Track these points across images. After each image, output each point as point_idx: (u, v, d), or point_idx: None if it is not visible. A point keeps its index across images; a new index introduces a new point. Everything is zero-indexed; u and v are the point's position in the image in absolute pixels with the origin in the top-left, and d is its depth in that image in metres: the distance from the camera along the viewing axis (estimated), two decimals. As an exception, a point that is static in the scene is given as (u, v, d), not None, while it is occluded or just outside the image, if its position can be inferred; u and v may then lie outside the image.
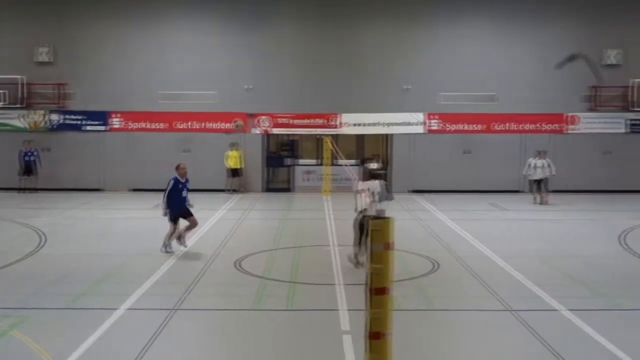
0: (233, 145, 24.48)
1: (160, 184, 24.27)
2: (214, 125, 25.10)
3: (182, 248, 13.50)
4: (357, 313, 8.05)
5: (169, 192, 13.49)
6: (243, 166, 24.61)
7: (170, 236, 13.55)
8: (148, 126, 25.11)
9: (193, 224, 13.76)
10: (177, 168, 14.00)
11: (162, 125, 25.07)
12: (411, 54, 24.98)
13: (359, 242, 12.00)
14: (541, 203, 21.46)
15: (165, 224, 13.66)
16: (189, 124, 25.06)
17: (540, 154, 22.02)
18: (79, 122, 25.15)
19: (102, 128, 25.14)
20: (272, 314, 9.43)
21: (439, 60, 24.92)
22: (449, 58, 24.88)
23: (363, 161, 26.16)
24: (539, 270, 11.98)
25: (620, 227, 16.69)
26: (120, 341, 8.18)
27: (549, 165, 21.71)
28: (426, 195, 23.81)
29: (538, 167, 21.66)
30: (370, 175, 12.73)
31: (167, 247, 13.48)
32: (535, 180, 21.72)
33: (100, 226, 17.33)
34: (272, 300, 10.07)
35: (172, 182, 13.67)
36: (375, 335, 4.38)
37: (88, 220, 18.36)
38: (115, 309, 9.36)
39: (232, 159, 24.32)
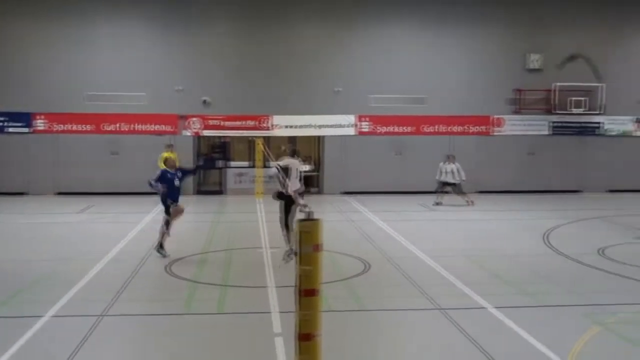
0: (169, 147, 24.09)
1: (88, 187, 24.09)
2: (144, 127, 24.67)
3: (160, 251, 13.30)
4: (289, 315, 8.05)
5: (158, 179, 13.42)
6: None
7: (163, 236, 13.34)
8: (74, 128, 24.46)
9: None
10: (165, 162, 14.49)
11: (89, 127, 24.47)
12: (342, 56, 25.19)
13: (285, 223, 12.55)
14: (437, 204, 21.50)
15: (93, 229, 13.34)
16: (117, 125, 24.54)
17: (449, 158, 21.91)
18: (0, 124, 24.29)
19: (26, 130, 24.35)
20: (203, 317, 9.34)
21: (370, 62, 25.20)
22: (380, 61, 25.20)
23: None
24: (467, 269, 12.27)
25: (544, 226, 17.26)
26: (45, 350, 7.94)
27: (457, 171, 21.52)
28: (358, 196, 24.03)
29: (447, 172, 21.56)
30: (292, 153, 13.16)
31: (160, 249, 13.23)
32: (446, 184, 21.69)
33: (24, 231, 16.77)
34: (203, 304, 9.98)
35: (159, 172, 13.79)
36: (305, 337, 4.40)
37: (11, 225, 17.75)
38: (41, 316, 9.08)
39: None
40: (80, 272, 11.75)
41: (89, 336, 8.33)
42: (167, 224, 13.45)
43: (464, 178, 21.59)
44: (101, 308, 9.51)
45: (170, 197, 13.55)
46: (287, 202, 12.57)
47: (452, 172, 21.54)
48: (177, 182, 13.71)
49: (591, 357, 7.70)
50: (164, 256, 13.12)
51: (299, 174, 12.85)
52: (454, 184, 21.60)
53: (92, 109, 24.34)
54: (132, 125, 24.58)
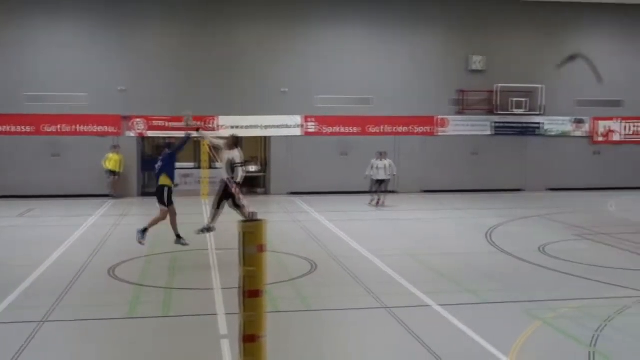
0: (114, 148, 23.75)
1: (28, 190, 23.46)
2: (86, 128, 24.17)
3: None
4: (234, 317, 8.01)
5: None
6: (121, 170, 23.87)
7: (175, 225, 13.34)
8: (13, 129, 23.81)
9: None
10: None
11: (29, 129, 23.86)
12: (288, 57, 25.18)
13: (217, 206, 13.39)
14: (377, 205, 21.37)
15: (33, 233, 13.00)
16: (59, 127, 23.98)
17: (382, 154, 21.74)
18: None
19: (-39, 131, 23.63)
20: (148, 321, 9.21)
21: (316, 63, 25.27)
22: (326, 61, 25.29)
23: (244, 163, 26.05)
24: (412, 268, 12.42)
25: (487, 225, 17.60)
26: (-18, 358, 7.70)
27: (390, 166, 21.53)
28: (304, 197, 24.07)
29: (380, 168, 21.45)
30: (235, 143, 13.55)
31: (181, 240, 13.29)
32: (377, 181, 21.59)
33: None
34: (148, 307, 9.84)
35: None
36: (249, 338, 4.38)
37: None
38: (-23, 323, 8.81)
39: (112, 162, 23.56)
40: (20, 277, 11.43)
41: (28, 343, 8.11)
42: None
43: (395, 173, 21.73)
44: (41, 314, 9.27)
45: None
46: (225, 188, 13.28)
47: (385, 167, 21.46)
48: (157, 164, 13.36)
49: (532, 352, 7.88)
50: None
51: (227, 164, 13.30)
52: (383, 180, 21.49)
53: (32, 109, 23.74)
54: (73, 127, 24.06)
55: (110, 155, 23.64)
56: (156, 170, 13.36)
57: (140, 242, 13.13)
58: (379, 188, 21.61)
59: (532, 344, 8.14)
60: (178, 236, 13.32)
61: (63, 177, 23.93)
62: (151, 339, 8.49)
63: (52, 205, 21.78)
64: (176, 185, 13.64)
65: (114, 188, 23.81)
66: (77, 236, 15.85)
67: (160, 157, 13.45)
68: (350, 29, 25.56)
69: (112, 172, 23.70)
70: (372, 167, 21.65)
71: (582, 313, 9.40)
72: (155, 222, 13.37)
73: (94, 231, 16.68)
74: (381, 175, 21.40)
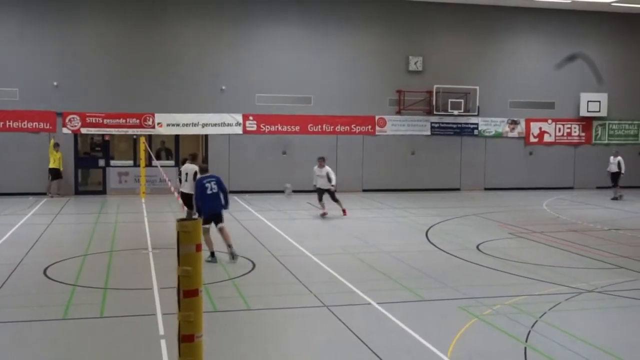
0: (56, 146, 23.13)
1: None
2: (18, 125, 23.43)
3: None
4: (173, 317, 7.93)
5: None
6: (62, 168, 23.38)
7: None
8: (-61, 125, 22.94)
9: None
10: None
11: (-45, 124, 23.02)
12: (227, 55, 24.99)
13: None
14: (323, 216, 19.22)
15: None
16: (-12, 122, 23.21)
17: (321, 161, 19.53)
18: None
19: None
20: (84, 322, 9.00)
21: (255, 61, 25.15)
22: (265, 60, 25.21)
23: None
24: (352, 266, 12.51)
25: (425, 223, 17.88)
26: None
27: (327, 175, 19.00)
28: (245, 195, 23.95)
29: (319, 176, 19.26)
30: (192, 158, 15.28)
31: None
32: (319, 189, 19.40)
33: None
34: (84, 308, 9.61)
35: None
36: (187, 338, 4.33)
37: None
38: None
39: (56, 160, 23.00)
40: (-54, 278, 11.02)
41: (-43, 346, 7.83)
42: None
43: (333, 183, 19.13)
44: (-30, 316, 8.96)
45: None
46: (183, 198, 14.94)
47: (324, 176, 19.07)
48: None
49: (468, 348, 8.05)
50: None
51: (186, 176, 14.85)
52: (327, 190, 19.17)
53: (-40, 105, 22.90)
54: (4, 122, 23.29)
55: (54, 153, 23.03)
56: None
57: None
58: (320, 197, 19.46)
59: (468, 340, 8.31)
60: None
61: (-6, 174, 23.17)
62: (88, 341, 8.30)
63: (-19, 203, 21.06)
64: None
65: (59, 187, 23.30)
66: (9, 235, 15.36)
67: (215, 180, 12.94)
68: (291, 28, 25.55)
69: (55, 171, 23.07)
70: (315, 177, 19.48)
71: (516, 309, 9.64)
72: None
73: (27, 230, 16.21)
74: (320, 184, 19.22)
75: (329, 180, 18.99)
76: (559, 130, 28.52)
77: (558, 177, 28.42)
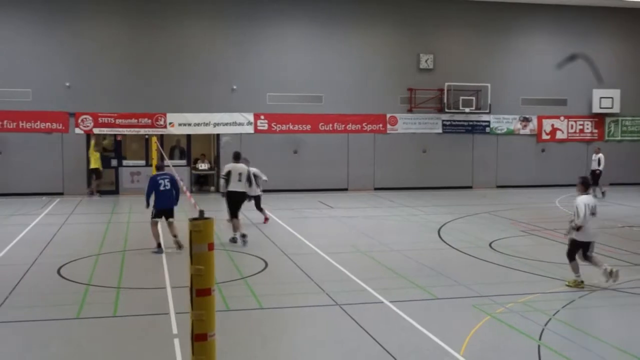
0: (96, 146, 23.58)
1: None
2: (31, 125, 23.58)
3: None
4: (185, 316, 7.96)
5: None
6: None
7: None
8: (-47, 126, 23.14)
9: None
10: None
11: (-30, 126, 23.21)
12: (238, 54, 25.03)
13: (235, 216, 14.49)
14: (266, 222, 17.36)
15: None
16: (2, 123, 23.33)
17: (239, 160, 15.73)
18: None
19: None
20: (97, 321, 9.04)
21: (266, 60, 25.20)
22: (276, 59, 25.24)
23: (195, 161, 25.86)
24: (364, 265, 12.50)
25: (437, 221, 17.84)
26: None
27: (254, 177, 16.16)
28: (256, 194, 23.94)
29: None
30: (233, 158, 14.83)
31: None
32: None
33: None
34: (97, 307, 9.66)
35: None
36: (199, 337, 4.34)
37: None
38: None
39: (95, 160, 23.45)
40: (-38, 278, 11.12)
41: (-28, 346, 7.90)
42: None
43: (259, 193, 17.42)
44: (-15, 315, 9.03)
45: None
46: (233, 198, 14.51)
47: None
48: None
49: (481, 346, 8.02)
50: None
51: (239, 176, 14.45)
52: (249, 196, 16.07)
53: (-26, 106, 23.09)
54: (17, 123, 23.44)
55: (94, 153, 23.52)
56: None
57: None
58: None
59: (481, 338, 8.29)
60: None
61: (7, 175, 23.33)
62: (101, 340, 8.34)
63: (-5, 204, 21.23)
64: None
65: (98, 186, 23.84)
66: (23, 235, 15.47)
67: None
68: (301, 27, 25.56)
69: (96, 171, 23.55)
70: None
71: (529, 307, 9.60)
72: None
73: (41, 230, 16.32)
74: (252, 191, 15.99)
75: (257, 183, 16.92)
76: (572, 127, 28.38)
77: (570, 174, 28.18)
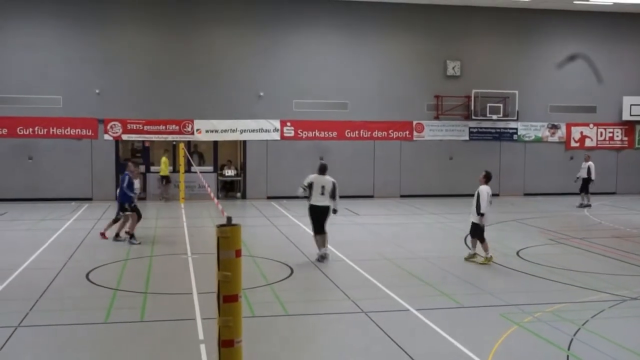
0: (165, 151, 24.07)
1: (2, 193, 23.14)
2: (61, 131, 23.92)
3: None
4: (212, 321, 7.99)
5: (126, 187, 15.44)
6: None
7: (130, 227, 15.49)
8: (-15, 132, 23.56)
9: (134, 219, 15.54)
10: (127, 167, 16.09)
11: (2, 132, 23.56)
12: (264, 61, 25.15)
13: (317, 232, 13.46)
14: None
15: (7, 237, 12.81)
16: (33, 129, 23.70)
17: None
18: None
19: None
20: (124, 326, 9.12)
21: (293, 67, 25.28)
22: (302, 66, 25.31)
23: (221, 167, 26.03)
24: (389, 272, 12.45)
25: (463, 229, 17.68)
26: (-45, 364, 7.58)
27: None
28: (282, 201, 24.04)
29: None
30: (318, 170, 13.85)
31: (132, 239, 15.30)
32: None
33: None
34: (125, 312, 9.74)
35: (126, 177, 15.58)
36: (226, 343, 4.36)
37: None
38: (-51, 329, 8.66)
39: (164, 166, 24.12)
40: (-7, 282, 11.29)
41: (2, 349, 8.00)
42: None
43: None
44: (16, 319, 9.15)
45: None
46: (315, 213, 13.50)
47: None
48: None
49: (509, 356, 7.94)
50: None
51: (322, 189, 13.49)
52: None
53: (4, 112, 23.46)
54: (48, 129, 23.80)
55: (163, 159, 24.05)
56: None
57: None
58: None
59: (508, 348, 8.20)
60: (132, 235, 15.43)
61: (38, 180, 23.68)
62: (129, 345, 8.41)
63: (27, 208, 21.52)
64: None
65: (166, 192, 24.39)
66: (53, 240, 15.67)
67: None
68: (327, 34, 25.61)
69: (166, 178, 24.20)
70: None
71: (557, 317, 9.49)
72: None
73: (70, 235, 16.51)
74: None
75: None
76: (601, 135, 28.03)
77: (600, 182, 27.86)
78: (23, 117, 23.56)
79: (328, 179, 13.57)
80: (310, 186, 13.49)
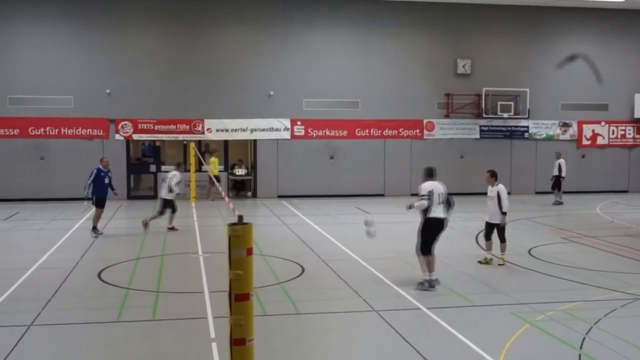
0: (213, 152, 24.22)
1: (14, 194, 23.30)
2: (72, 132, 24.04)
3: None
4: (223, 320, 8.00)
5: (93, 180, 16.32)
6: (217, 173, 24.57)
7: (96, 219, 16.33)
8: (-3, 132, 23.70)
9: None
10: (101, 161, 17.04)
11: (14, 132, 23.71)
12: (275, 60, 25.18)
13: (429, 251, 11.21)
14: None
15: (19, 237, 12.89)
16: (45, 129, 23.84)
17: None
18: None
19: (-54, 134, 23.45)
20: (137, 325, 9.15)
21: (303, 66, 25.29)
22: (312, 65, 25.32)
23: (232, 167, 26.09)
24: (400, 271, 12.43)
25: (475, 227, 17.66)
26: (-31, 363, 7.63)
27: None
28: (293, 200, 24.05)
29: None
30: (429, 175, 11.58)
31: (95, 232, 16.12)
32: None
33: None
34: (137, 311, 9.78)
35: (94, 171, 16.48)
36: (238, 342, 4.37)
37: None
38: (-37, 328, 8.73)
39: (213, 166, 24.20)
40: (6, 281, 11.35)
41: (15, 348, 8.05)
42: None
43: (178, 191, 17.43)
44: (28, 318, 9.20)
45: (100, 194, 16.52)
46: (436, 228, 11.33)
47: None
48: (106, 180, 16.64)
49: (520, 355, 7.90)
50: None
51: (439, 197, 11.33)
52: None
53: (16, 112, 23.62)
54: (59, 130, 23.92)
55: (212, 159, 24.24)
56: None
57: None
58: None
59: (520, 346, 8.17)
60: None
61: (49, 180, 23.81)
62: (140, 343, 8.44)
63: (38, 208, 21.65)
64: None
65: (212, 191, 24.44)
66: (64, 240, 15.75)
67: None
68: (337, 33, 25.60)
69: (215, 177, 24.06)
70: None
71: (569, 316, 9.44)
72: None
73: (81, 234, 16.59)
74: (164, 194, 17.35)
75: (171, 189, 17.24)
76: (613, 133, 27.88)
77: (612, 180, 27.76)
78: (34, 118, 23.70)
79: (443, 186, 11.57)
80: (430, 195, 11.16)
